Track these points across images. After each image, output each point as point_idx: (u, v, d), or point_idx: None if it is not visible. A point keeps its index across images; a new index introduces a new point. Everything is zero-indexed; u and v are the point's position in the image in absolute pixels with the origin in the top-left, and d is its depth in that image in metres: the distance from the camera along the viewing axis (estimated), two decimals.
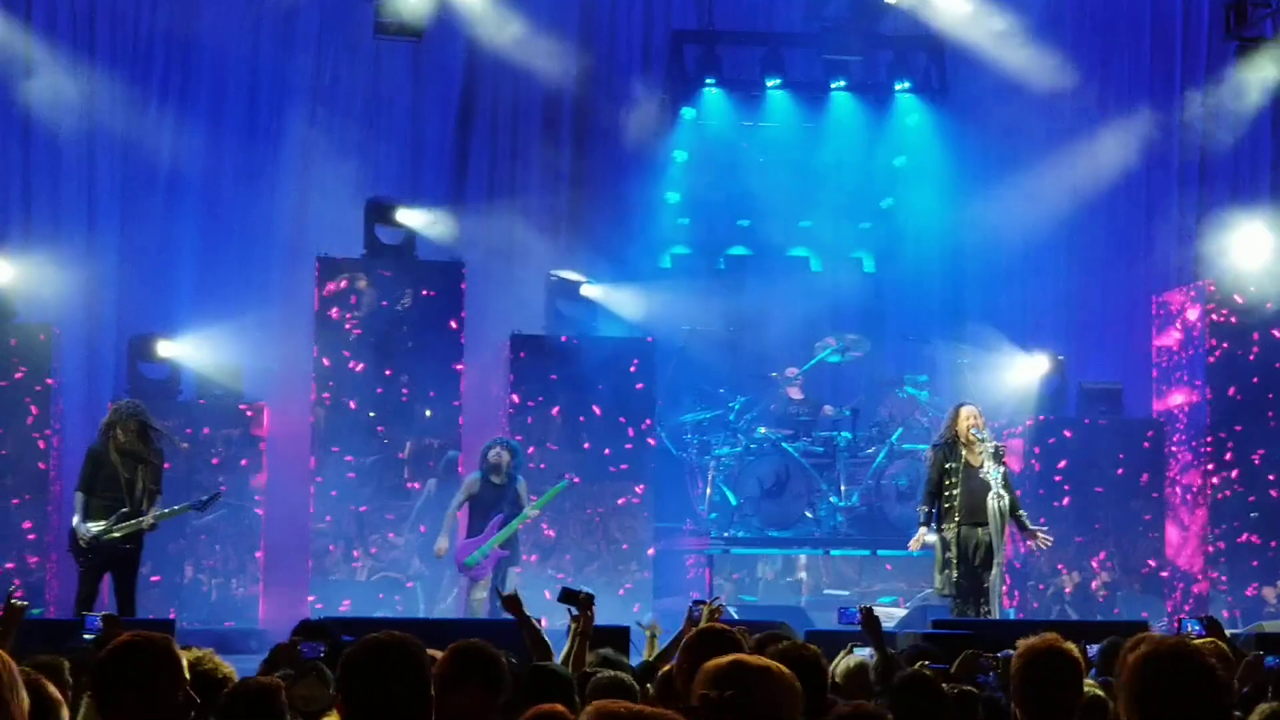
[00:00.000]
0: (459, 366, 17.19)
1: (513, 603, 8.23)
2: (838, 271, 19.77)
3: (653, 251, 19.30)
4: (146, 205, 18.40)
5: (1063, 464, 17.59)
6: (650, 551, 17.21)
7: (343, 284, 16.99)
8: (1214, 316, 17.84)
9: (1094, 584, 17.58)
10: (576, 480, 16.61)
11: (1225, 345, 17.84)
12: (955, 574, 13.35)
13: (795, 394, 18.20)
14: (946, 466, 13.55)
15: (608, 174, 19.25)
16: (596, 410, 17.22)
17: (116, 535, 13.25)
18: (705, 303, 19.26)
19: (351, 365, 16.89)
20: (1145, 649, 3.99)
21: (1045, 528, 14.11)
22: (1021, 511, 13.68)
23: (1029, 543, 14.07)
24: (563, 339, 17.39)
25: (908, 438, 17.56)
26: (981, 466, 13.34)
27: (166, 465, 13.98)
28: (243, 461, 16.86)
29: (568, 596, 7.99)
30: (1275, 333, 17.86)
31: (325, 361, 16.92)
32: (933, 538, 13.59)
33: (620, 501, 17.19)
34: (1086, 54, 19.85)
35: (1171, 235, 19.87)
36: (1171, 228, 19.89)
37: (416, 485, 16.86)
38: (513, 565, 15.16)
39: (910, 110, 19.23)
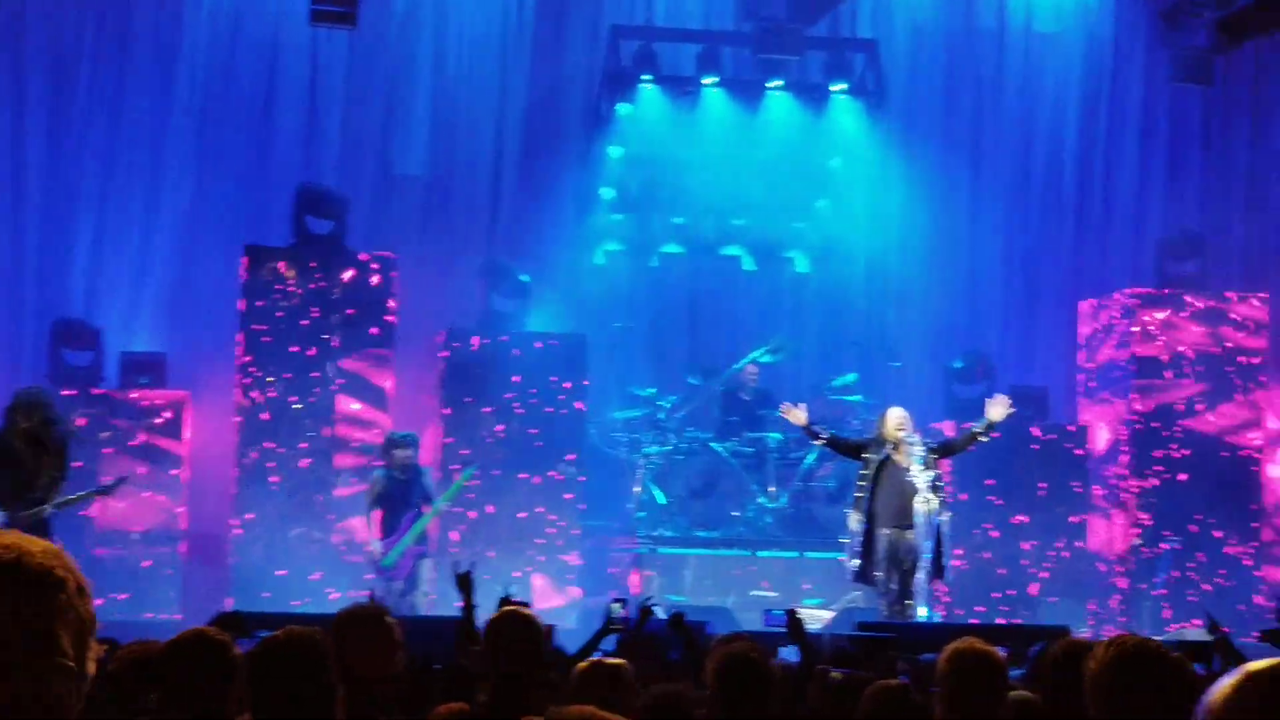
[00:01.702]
0: (389, 359, 17.07)
1: (466, 583, 8.24)
2: (770, 271, 19.78)
3: (587, 247, 19.22)
4: (73, 188, 18.17)
5: (990, 467, 17.61)
6: (577, 553, 17.18)
7: (271, 273, 16.84)
8: (1139, 321, 17.97)
9: (1018, 586, 17.62)
10: (496, 471, 16.57)
11: (1150, 349, 17.97)
12: (863, 565, 13.51)
13: (745, 396, 18.17)
14: (866, 456, 13.63)
15: (543, 169, 19.16)
16: (528, 406, 17.14)
17: (17, 524, 13.05)
18: (637, 300, 19.25)
19: (278, 356, 16.73)
20: (1117, 649, 4.01)
21: (993, 401, 13.85)
22: (971, 429, 13.80)
23: (995, 417, 13.61)
24: (495, 333, 17.32)
25: None
26: (909, 469, 13.34)
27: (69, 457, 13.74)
28: (165, 451, 16.69)
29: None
30: (1198, 335, 18.00)
31: (251, 352, 16.76)
32: (802, 417, 13.86)
33: (550, 498, 17.11)
34: (1023, 61, 19.97)
35: (1101, 241, 19.99)
36: (1102, 234, 20.01)
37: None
38: (425, 558, 15.13)
39: (846, 112, 19.24)
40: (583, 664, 5.90)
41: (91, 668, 2.52)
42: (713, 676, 5.38)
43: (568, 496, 17.16)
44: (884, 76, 19.15)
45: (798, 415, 13.95)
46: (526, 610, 5.65)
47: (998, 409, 13.65)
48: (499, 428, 17.09)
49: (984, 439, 13.90)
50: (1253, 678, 2.49)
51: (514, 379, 17.10)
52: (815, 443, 14.30)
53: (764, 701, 5.37)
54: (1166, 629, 16.47)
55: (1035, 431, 17.80)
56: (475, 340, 17.22)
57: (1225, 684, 2.50)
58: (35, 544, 2.51)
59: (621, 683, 5.74)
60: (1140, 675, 3.95)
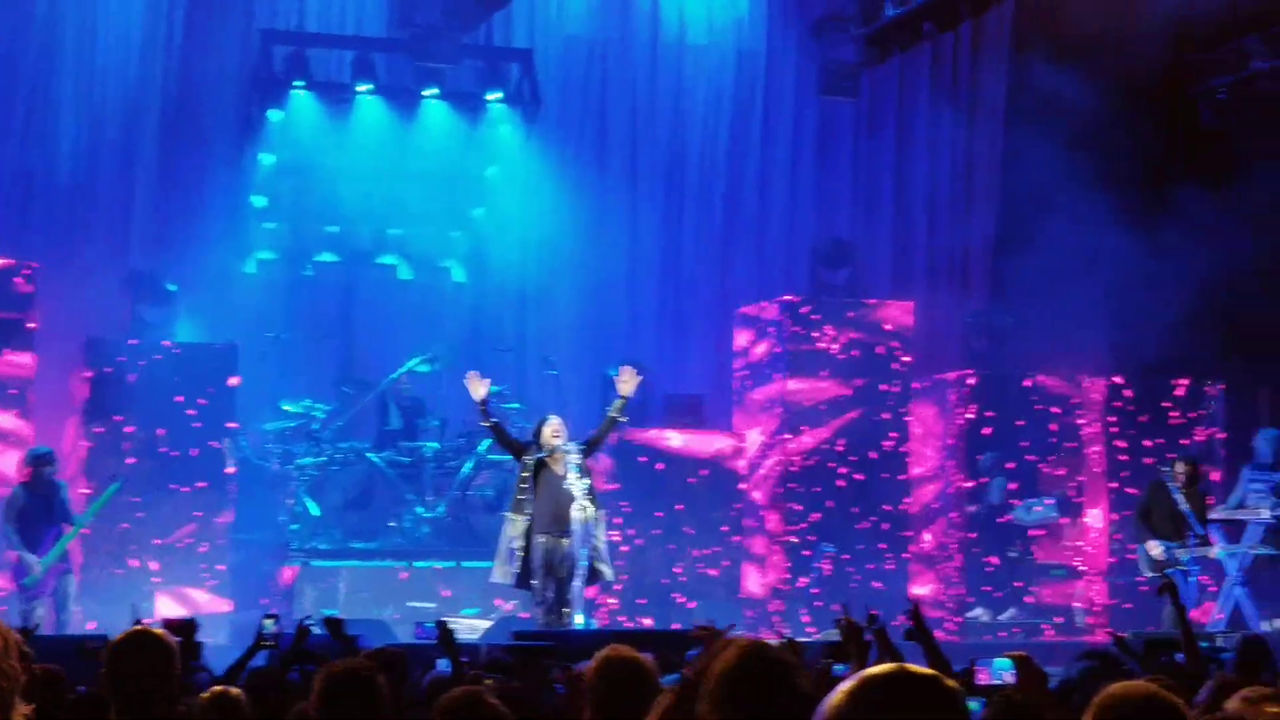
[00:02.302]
0: (31, 371, 16.46)
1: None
2: (427, 280, 19.65)
3: (238, 256, 18.82)
4: None
5: (650, 475, 17.75)
6: (227, 567, 16.82)
7: None
8: (792, 328, 18.32)
9: (676, 591, 17.78)
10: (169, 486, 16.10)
11: (802, 356, 18.32)
12: (523, 571, 13.46)
13: (402, 405, 18.01)
14: (526, 459, 13.62)
15: (191, 175, 18.70)
16: (175, 418, 16.69)
17: None
18: (291, 309, 18.93)
19: None
20: (733, 651, 3.98)
21: (620, 379, 13.97)
22: (608, 413, 13.90)
23: (625, 392, 13.81)
24: (141, 344, 16.82)
25: (495, 449, 17.47)
26: (565, 477, 13.37)
27: None
28: None
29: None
30: (848, 341, 18.40)
31: None
32: (482, 391, 13.69)
33: (199, 513, 16.70)
34: (677, 72, 20.21)
35: (755, 250, 20.34)
36: (755, 243, 20.36)
37: None
38: (69, 574, 14.68)
39: (502, 121, 19.21)
40: (204, 693, 5.78)
41: None
42: (316, 696, 5.26)
43: (197, 513, 16.69)
44: (539, 86, 19.17)
45: (478, 388, 13.80)
46: (155, 629, 5.45)
47: (627, 384, 13.83)
48: (145, 439, 16.59)
49: (622, 419, 14.05)
50: (866, 683, 2.48)
51: (161, 389, 16.62)
52: (483, 423, 14.17)
53: (371, 716, 5.26)
54: (807, 630, 16.76)
55: (690, 436, 18.03)
56: (120, 350, 16.70)
57: (842, 689, 2.49)
58: None
59: (236, 711, 5.64)
60: (769, 678, 3.94)
